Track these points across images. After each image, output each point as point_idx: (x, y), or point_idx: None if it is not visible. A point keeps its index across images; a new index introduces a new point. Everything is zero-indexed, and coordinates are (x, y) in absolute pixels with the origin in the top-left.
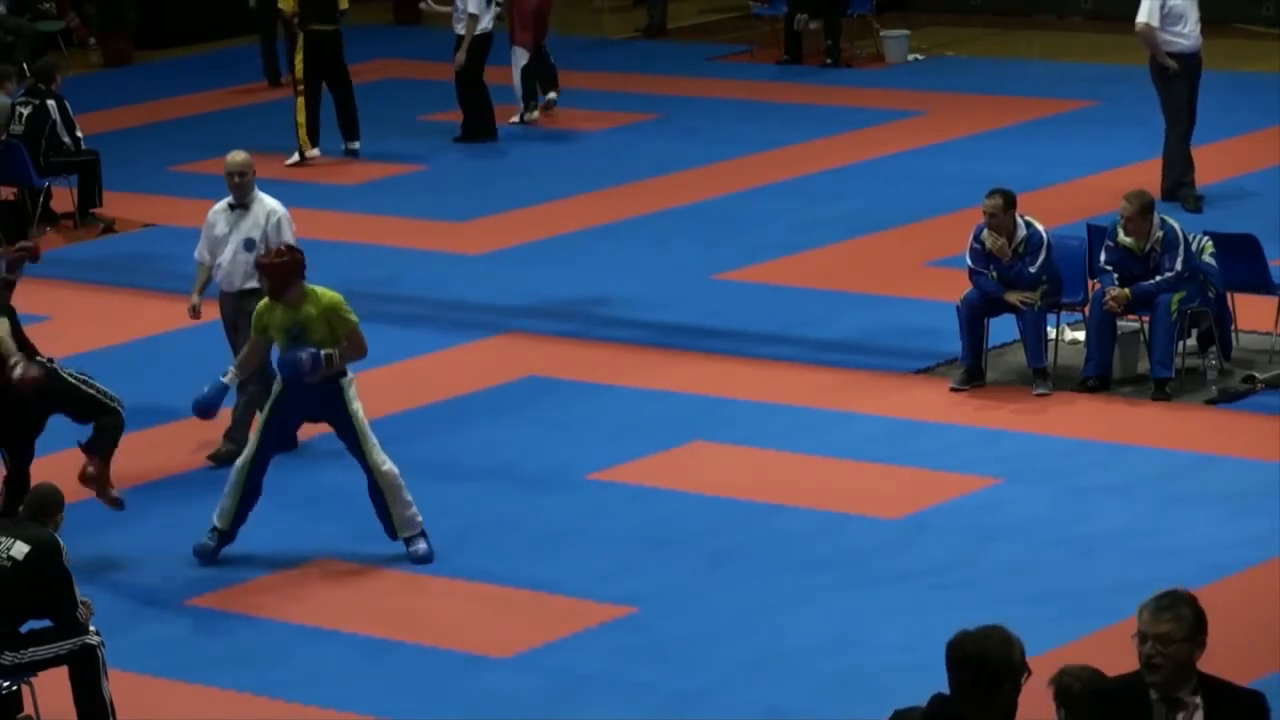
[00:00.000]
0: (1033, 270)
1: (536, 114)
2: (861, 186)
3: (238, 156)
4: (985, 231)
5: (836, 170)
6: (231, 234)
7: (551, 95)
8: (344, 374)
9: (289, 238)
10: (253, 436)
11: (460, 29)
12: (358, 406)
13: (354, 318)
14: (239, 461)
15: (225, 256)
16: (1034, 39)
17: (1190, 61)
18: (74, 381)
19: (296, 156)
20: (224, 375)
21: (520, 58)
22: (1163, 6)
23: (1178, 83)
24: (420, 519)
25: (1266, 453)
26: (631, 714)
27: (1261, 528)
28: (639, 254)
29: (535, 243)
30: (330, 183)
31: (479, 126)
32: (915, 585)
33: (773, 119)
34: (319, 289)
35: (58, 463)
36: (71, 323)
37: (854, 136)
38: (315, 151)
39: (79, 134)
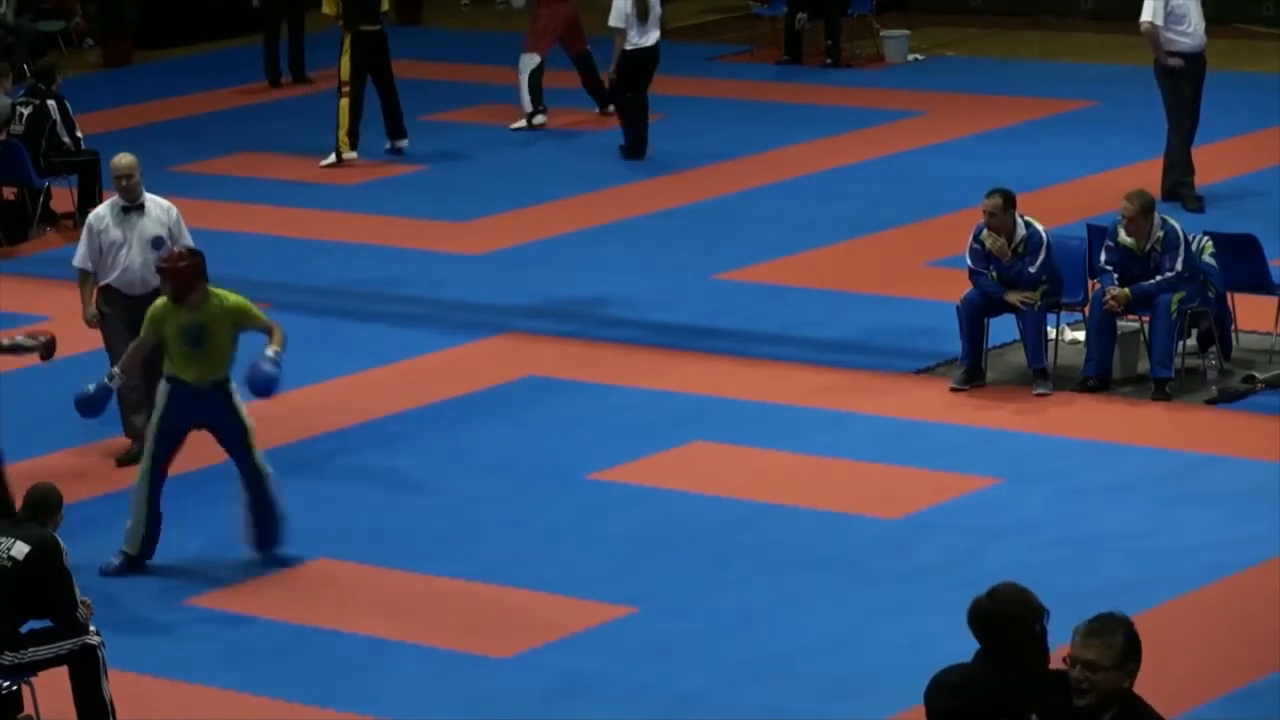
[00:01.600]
0: (1033, 270)
1: (544, 119)
2: (861, 186)
3: (125, 159)
4: (985, 232)
5: (836, 170)
6: (130, 237)
7: (611, 106)
8: (229, 380)
9: (186, 231)
10: (146, 452)
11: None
12: (246, 413)
13: (258, 312)
14: (136, 483)
15: (131, 260)
16: (1034, 39)
17: (1194, 61)
18: None
19: (333, 158)
20: (107, 377)
21: (528, 63)
22: (1166, 5)
23: (1182, 82)
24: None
25: (1266, 453)
26: (631, 714)
27: (1261, 528)
28: (639, 254)
29: (535, 243)
30: (330, 183)
31: (630, 141)
32: (915, 585)
33: (773, 119)
34: (222, 291)
35: (54, 463)
36: (72, 322)
37: (854, 136)
38: (353, 155)
39: (79, 134)
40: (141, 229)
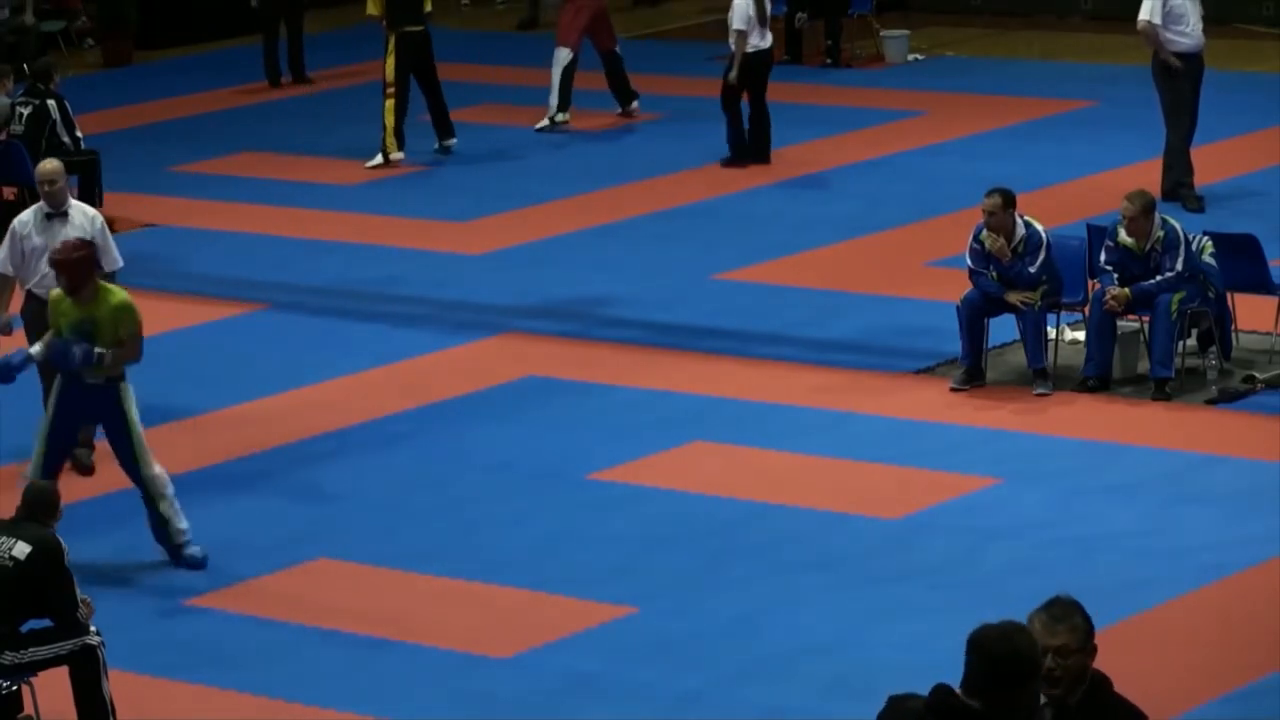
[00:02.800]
0: (1032, 270)
1: (567, 117)
2: (861, 186)
3: (50, 164)
4: (984, 232)
5: (836, 170)
6: (51, 243)
7: (634, 104)
8: (122, 378)
9: (111, 240)
10: (38, 443)
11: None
12: (135, 414)
13: (139, 321)
14: (28, 470)
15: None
16: (1034, 39)
17: (1193, 61)
18: None
19: (380, 159)
20: (32, 349)
21: (562, 58)
22: (1164, 5)
23: (1180, 82)
24: (186, 527)
25: (1266, 453)
26: (631, 714)
27: (1261, 528)
28: (639, 254)
29: (535, 243)
30: (330, 183)
31: (735, 148)
32: (915, 585)
33: (773, 119)
34: (112, 287)
35: None
36: None
37: (854, 136)
38: (400, 155)
39: (79, 134)
40: (65, 235)
